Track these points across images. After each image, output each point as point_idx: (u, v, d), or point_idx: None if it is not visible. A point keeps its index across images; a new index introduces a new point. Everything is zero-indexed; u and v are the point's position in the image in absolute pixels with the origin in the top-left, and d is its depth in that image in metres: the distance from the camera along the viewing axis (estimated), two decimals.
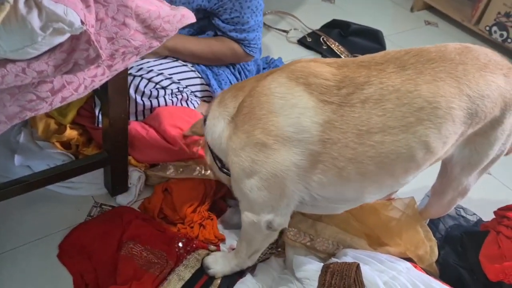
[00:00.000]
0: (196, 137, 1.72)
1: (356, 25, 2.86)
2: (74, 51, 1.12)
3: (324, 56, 2.69)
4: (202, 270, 1.55)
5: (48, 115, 1.80)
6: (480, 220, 1.85)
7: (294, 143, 1.24)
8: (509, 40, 2.95)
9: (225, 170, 1.47)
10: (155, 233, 1.64)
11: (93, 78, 1.20)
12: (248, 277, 1.54)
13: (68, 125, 1.79)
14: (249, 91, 1.32)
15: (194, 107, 1.96)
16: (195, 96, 2.00)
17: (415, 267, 1.51)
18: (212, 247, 1.65)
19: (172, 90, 1.89)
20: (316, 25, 2.90)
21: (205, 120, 1.45)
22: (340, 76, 1.26)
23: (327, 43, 2.75)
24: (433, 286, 1.43)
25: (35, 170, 1.72)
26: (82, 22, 1.06)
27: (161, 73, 1.87)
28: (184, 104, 1.94)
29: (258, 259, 1.58)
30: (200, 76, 2.01)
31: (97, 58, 1.15)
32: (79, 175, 1.67)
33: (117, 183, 1.74)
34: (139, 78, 1.83)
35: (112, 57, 1.20)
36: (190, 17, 1.29)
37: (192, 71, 1.99)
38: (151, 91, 1.84)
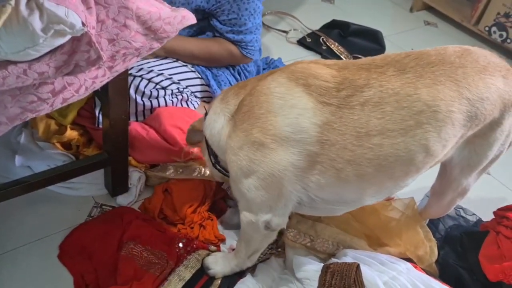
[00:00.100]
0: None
1: (356, 25, 2.86)
2: (75, 52, 1.12)
3: (323, 56, 2.70)
4: (202, 271, 1.55)
5: (48, 115, 1.80)
6: (479, 220, 1.85)
7: (292, 143, 1.24)
8: (508, 41, 2.96)
9: (218, 167, 1.47)
10: (156, 233, 1.64)
11: (94, 79, 1.20)
12: (248, 277, 1.54)
13: (68, 126, 1.80)
14: (250, 90, 1.33)
15: (194, 107, 1.96)
16: (195, 96, 2.01)
17: (415, 267, 1.52)
18: (212, 247, 1.65)
19: (172, 90, 1.89)
20: (316, 25, 2.90)
21: (205, 116, 1.45)
22: (340, 78, 1.26)
23: (327, 43, 2.75)
24: (433, 286, 1.44)
25: (36, 170, 1.72)
26: (83, 24, 1.06)
27: (161, 74, 1.88)
28: (184, 104, 1.94)
29: (258, 259, 1.59)
30: (200, 76, 2.01)
31: (98, 60, 1.15)
32: (79, 176, 1.67)
33: (117, 183, 1.74)
34: (139, 78, 1.84)
35: (113, 58, 1.20)
36: (190, 18, 1.30)
37: (192, 71, 1.99)
38: (151, 92, 1.84)
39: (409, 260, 1.58)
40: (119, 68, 1.24)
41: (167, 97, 1.88)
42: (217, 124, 1.38)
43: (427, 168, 1.35)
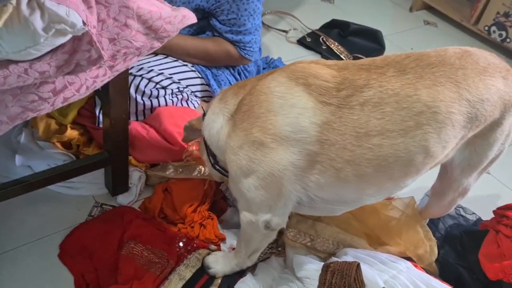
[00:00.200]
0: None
1: (356, 25, 2.87)
2: (76, 52, 1.12)
3: (323, 56, 2.70)
4: (202, 270, 1.55)
5: (48, 115, 1.80)
6: (479, 220, 1.85)
7: (292, 142, 1.24)
8: (508, 40, 2.96)
9: (217, 167, 1.47)
10: (156, 232, 1.64)
11: (94, 78, 1.21)
12: (248, 276, 1.54)
13: (68, 125, 1.80)
14: (250, 90, 1.33)
15: (194, 107, 1.97)
16: (195, 96, 2.01)
17: (415, 266, 1.52)
18: (212, 246, 1.65)
19: (172, 90, 1.89)
20: (316, 25, 2.90)
21: (204, 116, 1.45)
22: (340, 78, 1.26)
23: (327, 43, 2.76)
24: (433, 285, 1.44)
25: (36, 170, 1.72)
26: (84, 23, 1.06)
27: (162, 73, 1.88)
28: (184, 104, 1.94)
29: (259, 258, 1.59)
30: (200, 76, 2.01)
31: (99, 59, 1.15)
32: (79, 175, 1.67)
33: (117, 183, 1.74)
34: (140, 78, 1.84)
35: (114, 57, 1.20)
36: (191, 18, 1.30)
37: (192, 71, 1.99)
38: (151, 91, 1.85)
39: (409, 259, 1.58)
40: (120, 67, 1.24)
41: (167, 97, 1.88)
42: (216, 124, 1.38)
43: (427, 169, 1.35)
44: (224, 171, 1.46)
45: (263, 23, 2.51)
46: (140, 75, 1.84)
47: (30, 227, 1.65)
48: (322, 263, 1.46)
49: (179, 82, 1.93)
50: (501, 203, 1.78)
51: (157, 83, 1.86)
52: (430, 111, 1.23)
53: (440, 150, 1.28)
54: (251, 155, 1.27)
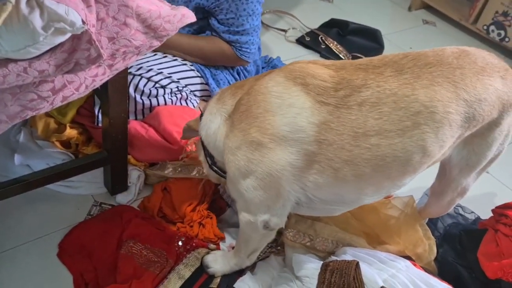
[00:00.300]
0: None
1: (355, 24, 2.87)
2: (75, 50, 1.12)
3: (322, 55, 2.70)
4: (202, 269, 1.55)
5: (47, 114, 1.80)
6: (478, 218, 1.86)
7: (290, 142, 1.24)
8: (506, 39, 2.96)
9: (215, 168, 1.47)
10: (155, 231, 1.64)
11: (94, 77, 1.21)
12: (247, 275, 1.54)
13: (67, 124, 1.79)
14: (247, 90, 1.33)
15: (193, 106, 1.96)
16: (194, 95, 2.01)
17: (414, 265, 1.52)
18: (212, 245, 1.65)
19: (171, 89, 1.89)
20: (315, 24, 2.90)
21: (201, 116, 1.45)
22: (338, 78, 1.26)
23: (326, 42, 2.76)
24: (432, 284, 1.44)
25: (35, 169, 1.72)
26: (83, 22, 1.06)
27: (161, 72, 1.88)
28: (183, 103, 1.94)
29: (258, 257, 1.59)
30: (200, 75, 2.01)
31: (98, 58, 1.15)
32: (78, 174, 1.67)
33: (116, 182, 1.74)
34: (139, 77, 1.84)
35: (113, 56, 1.20)
36: (190, 17, 1.30)
37: (191, 70, 1.99)
38: (150, 90, 1.84)
39: (408, 258, 1.58)
40: (119, 66, 1.24)
41: (166, 96, 1.88)
42: (213, 125, 1.38)
43: (424, 168, 1.35)
44: (221, 172, 1.46)
45: (262, 22, 2.51)
46: (139, 74, 1.84)
47: (29, 226, 1.64)
48: (321, 262, 1.46)
49: (178, 81, 1.93)
50: (500, 202, 1.78)
51: (156, 82, 1.86)
52: (427, 111, 1.23)
53: (438, 149, 1.29)
54: (249, 155, 1.27)
